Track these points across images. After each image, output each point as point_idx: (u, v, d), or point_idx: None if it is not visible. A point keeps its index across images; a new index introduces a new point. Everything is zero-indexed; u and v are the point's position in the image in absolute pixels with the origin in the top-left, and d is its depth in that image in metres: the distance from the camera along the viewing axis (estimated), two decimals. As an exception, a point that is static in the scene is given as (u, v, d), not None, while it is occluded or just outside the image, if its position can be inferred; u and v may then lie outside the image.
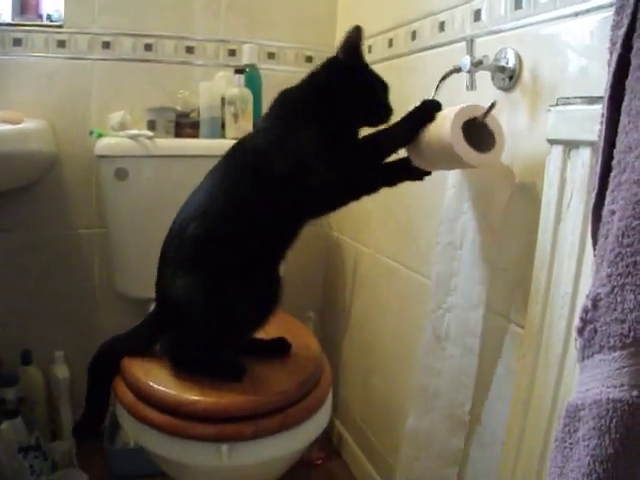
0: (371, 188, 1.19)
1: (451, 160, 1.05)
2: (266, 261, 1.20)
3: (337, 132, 1.14)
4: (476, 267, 1.18)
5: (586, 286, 0.84)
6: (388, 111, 1.18)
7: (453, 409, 1.23)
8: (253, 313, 1.20)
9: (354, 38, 1.18)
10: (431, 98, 1.15)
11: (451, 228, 1.23)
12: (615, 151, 0.66)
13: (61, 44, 1.83)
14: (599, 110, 0.72)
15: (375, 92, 1.18)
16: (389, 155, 1.16)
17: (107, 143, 1.70)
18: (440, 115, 1.08)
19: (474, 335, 1.18)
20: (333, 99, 1.16)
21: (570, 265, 0.87)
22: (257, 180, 1.16)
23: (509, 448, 0.99)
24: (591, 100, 0.87)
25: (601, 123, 0.71)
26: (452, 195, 1.22)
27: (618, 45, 0.68)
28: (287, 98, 1.24)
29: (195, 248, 1.17)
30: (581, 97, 0.90)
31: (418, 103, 1.12)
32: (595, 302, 0.64)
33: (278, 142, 1.16)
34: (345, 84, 1.17)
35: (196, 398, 1.11)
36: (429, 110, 1.10)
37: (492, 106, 1.04)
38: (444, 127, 1.03)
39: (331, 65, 1.21)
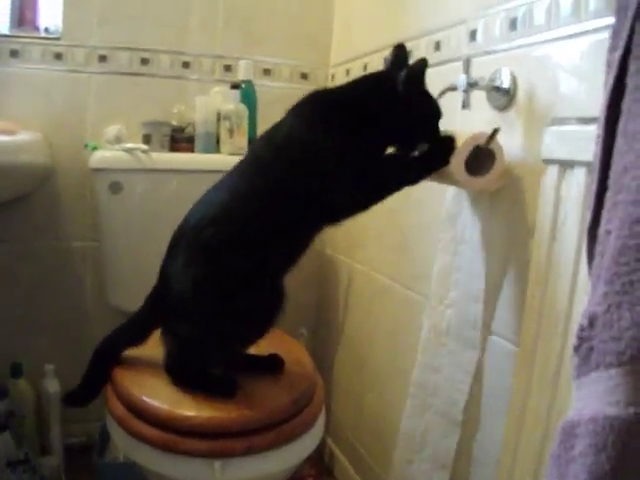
0: None
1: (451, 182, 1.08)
2: (275, 270, 1.20)
3: (370, 153, 1.14)
4: (477, 261, 1.19)
5: (580, 304, 0.85)
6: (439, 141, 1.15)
7: (449, 407, 1.24)
8: (256, 319, 1.20)
9: (418, 70, 1.11)
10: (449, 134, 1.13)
11: (454, 223, 1.24)
12: (611, 172, 0.67)
13: (58, 57, 1.84)
14: (594, 131, 0.73)
15: (432, 125, 1.15)
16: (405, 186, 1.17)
17: (102, 156, 1.70)
18: None
19: (474, 328, 1.19)
20: (381, 125, 1.12)
21: (564, 283, 0.88)
22: (278, 187, 1.14)
23: (504, 465, 0.99)
24: (586, 120, 0.88)
25: (596, 144, 0.72)
26: (454, 190, 1.24)
27: (614, 67, 0.69)
28: (325, 105, 1.19)
29: (209, 247, 1.15)
30: (576, 118, 0.91)
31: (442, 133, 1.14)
32: (592, 320, 0.64)
33: (308, 153, 1.14)
34: (402, 116, 1.12)
35: (190, 414, 1.10)
36: (447, 153, 1.11)
37: (495, 132, 1.05)
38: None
39: (386, 91, 1.12)
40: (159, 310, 1.24)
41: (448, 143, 1.10)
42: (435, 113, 1.14)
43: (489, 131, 1.07)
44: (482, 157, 1.09)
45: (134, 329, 1.30)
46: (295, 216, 1.15)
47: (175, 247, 1.21)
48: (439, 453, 1.25)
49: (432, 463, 1.26)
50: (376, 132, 1.12)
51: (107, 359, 1.30)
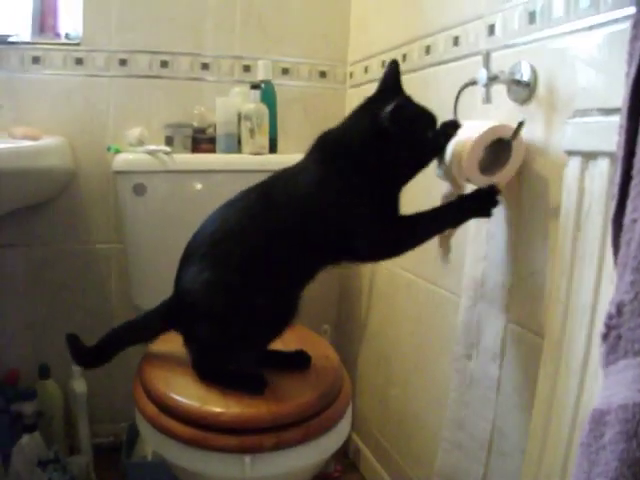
0: None
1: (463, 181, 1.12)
2: (289, 284, 1.22)
3: (386, 194, 1.16)
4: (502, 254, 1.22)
5: (606, 295, 0.85)
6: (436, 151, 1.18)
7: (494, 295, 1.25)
8: (271, 322, 1.22)
9: (402, 106, 1.12)
10: (483, 189, 1.15)
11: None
12: (635, 161, 0.67)
13: (79, 62, 1.87)
14: (617, 121, 0.73)
15: (426, 155, 1.18)
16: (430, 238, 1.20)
17: (125, 159, 1.73)
18: (465, 136, 1.11)
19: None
20: (382, 164, 1.14)
21: (590, 274, 0.88)
22: (295, 225, 1.17)
23: (531, 456, 1.00)
24: (608, 111, 0.88)
25: (619, 134, 0.72)
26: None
27: (636, 57, 0.69)
28: (333, 145, 1.20)
29: (225, 256, 1.18)
30: (598, 109, 0.91)
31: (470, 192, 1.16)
32: (619, 308, 0.65)
33: (326, 200, 1.16)
34: (396, 151, 1.14)
35: (219, 410, 1.12)
36: (475, 206, 1.14)
37: (520, 126, 1.06)
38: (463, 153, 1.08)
39: (378, 129, 1.13)
40: (174, 318, 1.26)
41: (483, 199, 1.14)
42: (428, 144, 1.16)
43: (507, 124, 1.08)
44: (498, 150, 1.10)
45: (142, 328, 1.33)
46: (309, 258, 1.19)
47: (190, 257, 1.23)
48: (490, 342, 1.26)
49: (485, 354, 1.27)
50: (380, 172, 1.14)
51: (122, 340, 1.32)
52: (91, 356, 1.32)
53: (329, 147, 1.20)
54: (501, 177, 1.12)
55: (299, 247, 1.17)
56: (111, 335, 1.32)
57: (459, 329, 1.32)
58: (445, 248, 1.31)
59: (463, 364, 1.31)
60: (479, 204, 1.13)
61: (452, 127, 1.13)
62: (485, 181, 1.11)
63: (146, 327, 1.32)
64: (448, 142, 1.14)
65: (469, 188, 1.20)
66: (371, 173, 1.14)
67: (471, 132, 1.10)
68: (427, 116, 1.17)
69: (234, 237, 1.18)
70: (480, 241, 1.26)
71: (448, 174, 1.18)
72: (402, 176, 1.17)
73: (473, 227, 1.28)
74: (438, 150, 1.15)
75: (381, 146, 1.13)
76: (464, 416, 1.32)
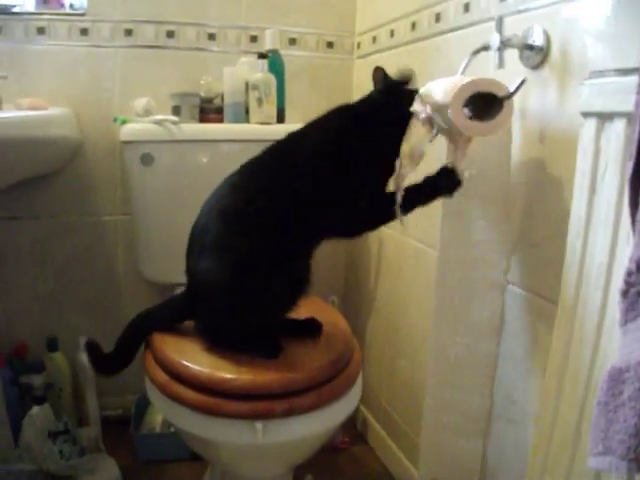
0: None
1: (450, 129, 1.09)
2: (297, 249, 1.22)
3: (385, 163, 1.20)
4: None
5: (622, 256, 0.84)
6: None
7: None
8: (283, 298, 1.22)
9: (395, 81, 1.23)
10: (449, 166, 1.17)
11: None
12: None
13: (84, 32, 1.85)
14: (634, 81, 0.72)
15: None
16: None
17: (132, 129, 1.72)
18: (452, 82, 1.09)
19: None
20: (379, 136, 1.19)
21: (605, 235, 0.87)
22: (297, 186, 1.18)
23: (544, 421, 0.99)
24: (625, 72, 0.86)
25: (637, 92, 0.71)
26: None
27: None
28: (347, 115, 1.24)
29: (221, 234, 1.18)
30: (614, 69, 0.90)
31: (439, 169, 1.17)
32: (639, 265, 0.64)
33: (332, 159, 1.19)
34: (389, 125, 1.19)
35: (231, 376, 1.11)
36: (450, 185, 1.16)
37: (522, 83, 1.04)
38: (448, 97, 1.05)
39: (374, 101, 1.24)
40: (190, 309, 1.27)
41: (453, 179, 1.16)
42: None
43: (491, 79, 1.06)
44: (491, 108, 1.08)
45: (167, 313, 1.33)
46: (314, 216, 1.20)
47: (198, 245, 1.22)
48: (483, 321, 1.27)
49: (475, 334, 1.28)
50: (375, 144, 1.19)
51: (139, 334, 1.32)
52: (111, 362, 1.32)
53: (337, 116, 1.23)
54: (488, 128, 1.09)
55: (305, 208, 1.18)
56: (126, 334, 1.31)
57: (450, 308, 1.31)
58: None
59: (452, 343, 1.31)
60: (443, 183, 1.16)
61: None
62: (472, 127, 1.08)
63: (162, 321, 1.33)
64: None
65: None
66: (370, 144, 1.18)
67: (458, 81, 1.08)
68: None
69: (240, 214, 1.18)
70: (466, 217, 1.27)
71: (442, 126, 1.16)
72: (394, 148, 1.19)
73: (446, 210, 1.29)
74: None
75: (376, 119, 1.19)
76: (457, 395, 1.32)
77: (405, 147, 1.16)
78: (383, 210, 1.20)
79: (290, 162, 1.21)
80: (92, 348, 1.34)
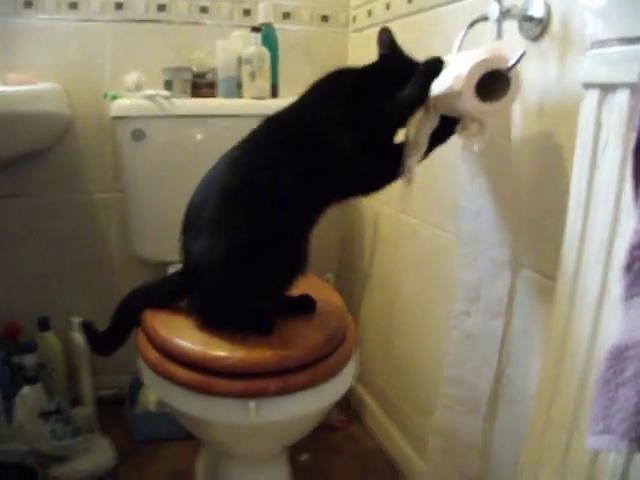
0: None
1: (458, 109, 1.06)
2: (295, 227, 1.20)
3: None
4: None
5: (624, 230, 0.82)
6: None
7: (497, 251, 1.23)
8: (280, 277, 1.20)
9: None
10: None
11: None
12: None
13: (73, 6, 1.81)
14: (638, 49, 0.70)
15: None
16: (409, 114, 1.14)
17: (123, 104, 1.69)
18: (455, 65, 1.06)
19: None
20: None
21: (606, 210, 0.85)
22: (293, 150, 1.16)
23: (542, 399, 0.98)
24: (629, 40, 0.84)
25: (643, 60, 0.69)
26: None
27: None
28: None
29: (223, 211, 1.15)
30: (617, 38, 0.87)
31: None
32: (644, 237, 0.63)
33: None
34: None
35: (224, 354, 1.09)
36: (434, 65, 1.10)
37: (522, 56, 1.02)
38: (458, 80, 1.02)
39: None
40: (186, 288, 1.25)
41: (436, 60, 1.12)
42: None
43: (504, 55, 1.03)
44: (498, 83, 1.05)
45: (162, 291, 1.30)
46: (311, 180, 1.17)
47: (194, 225, 1.20)
48: (492, 300, 1.25)
49: (486, 312, 1.26)
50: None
51: (134, 311, 1.30)
52: (107, 341, 1.31)
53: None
54: (498, 107, 1.07)
55: (303, 180, 1.15)
56: (120, 311, 1.30)
57: (459, 286, 1.30)
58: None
59: (462, 321, 1.30)
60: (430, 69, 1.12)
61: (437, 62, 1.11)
62: (483, 108, 1.06)
63: (156, 298, 1.30)
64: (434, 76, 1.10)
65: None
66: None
67: (467, 59, 1.05)
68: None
69: (242, 189, 1.16)
70: (472, 195, 1.24)
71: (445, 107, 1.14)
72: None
73: (462, 180, 1.26)
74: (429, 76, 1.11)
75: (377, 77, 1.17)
76: (463, 373, 1.31)
77: (409, 133, 1.14)
78: (390, 169, 1.18)
79: (294, 131, 1.18)
80: (88, 328, 1.33)
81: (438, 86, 1.07)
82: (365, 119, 1.14)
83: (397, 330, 1.79)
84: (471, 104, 1.02)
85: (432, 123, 1.14)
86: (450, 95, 1.04)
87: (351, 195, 1.25)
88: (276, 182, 1.15)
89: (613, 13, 0.93)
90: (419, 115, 1.14)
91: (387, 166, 1.18)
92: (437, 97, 1.08)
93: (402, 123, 1.15)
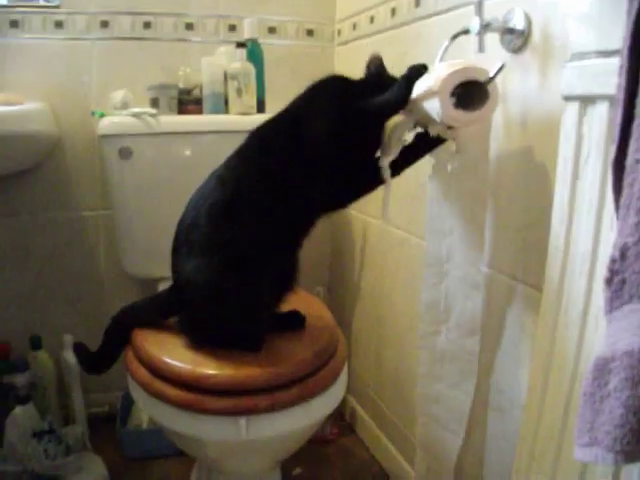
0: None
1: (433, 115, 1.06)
2: (283, 245, 1.21)
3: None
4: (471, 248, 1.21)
5: (606, 242, 0.83)
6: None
7: (466, 269, 1.24)
8: (270, 294, 1.21)
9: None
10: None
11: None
12: (637, 101, 0.64)
13: (59, 25, 1.81)
14: (616, 63, 0.70)
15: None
16: (388, 113, 1.16)
17: (110, 122, 1.69)
18: (436, 72, 1.07)
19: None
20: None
21: (589, 222, 0.86)
22: (277, 165, 1.17)
23: (530, 410, 0.98)
24: (607, 53, 0.85)
25: (620, 75, 0.70)
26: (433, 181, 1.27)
27: (638, -7, 0.66)
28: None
29: (211, 230, 1.16)
30: (596, 51, 0.88)
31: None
32: (623, 252, 0.63)
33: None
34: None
35: (213, 372, 1.10)
36: (416, 70, 1.11)
37: (501, 69, 1.02)
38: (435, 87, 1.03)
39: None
40: (175, 307, 1.25)
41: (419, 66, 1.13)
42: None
43: (480, 66, 1.04)
44: (476, 94, 1.06)
45: (153, 309, 1.31)
46: (296, 196, 1.17)
47: (184, 244, 1.20)
48: (465, 318, 1.25)
49: (459, 330, 1.26)
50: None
51: (125, 330, 1.30)
52: (99, 360, 1.32)
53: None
54: (474, 117, 1.07)
55: (292, 194, 1.16)
56: (111, 330, 1.31)
57: (422, 308, 1.31)
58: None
59: (431, 340, 1.31)
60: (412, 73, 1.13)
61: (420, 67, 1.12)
62: (457, 114, 1.06)
63: (146, 317, 1.31)
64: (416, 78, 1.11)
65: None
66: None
67: (449, 65, 1.06)
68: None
69: (230, 206, 1.16)
70: (442, 214, 1.25)
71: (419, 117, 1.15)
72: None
73: (429, 201, 1.28)
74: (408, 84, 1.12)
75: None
76: (439, 390, 1.32)
77: (385, 133, 1.16)
78: (372, 177, 1.19)
79: (278, 142, 1.19)
80: (80, 349, 1.34)
81: (418, 88, 1.08)
82: (347, 123, 1.15)
83: (388, 342, 1.79)
84: (446, 107, 1.02)
85: (406, 126, 1.16)
86: (427, 96, 1.05)
87: (336, 205, 1.25)
88: (262, 197, 1.15)
89: (592, 26, 0.94)
90: (397, 117, 1.15)
91: (367, 173, 1.19)
92: (415, 100, 1.09)
93: (380, 122, 1.17)
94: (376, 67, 1.22)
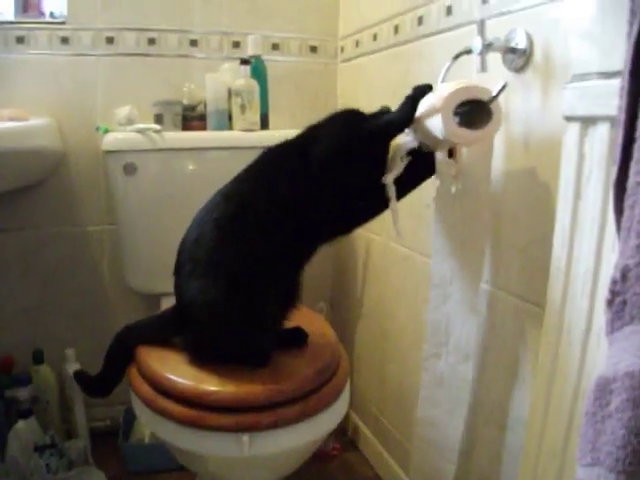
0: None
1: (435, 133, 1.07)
2: (289, 263, 1.22)
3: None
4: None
5: (608, 262, 0.83)
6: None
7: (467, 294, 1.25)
8: (274, 312, 1.21)
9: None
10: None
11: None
12: (638, 122, 0.65)
13: (64, 41, 1.83)
14: (616, 84, 0.71)
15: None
16: (395, 135, 1.17)
17: (115, 138, 1.70)
18: (439, 90, 1.08)
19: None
20: None
21: (591, 242, 0.86)
22: (283, 184, 1.18)
23: (533, 428, 0.99)
24: (608, 75, 0.86)
25: (621, 96, 0.70)
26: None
27: (638, 15, 0.67)
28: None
29: (216, 245, 1.16)
30: (597, 73, 0.89)
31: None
32: (624, 273, 0.63)
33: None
34: None
35: (215, 389, 1.10)
36: (421, 90, 1.12)
37: (503, 88, 1.03)
38: (437, 105, 1.04)
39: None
40: (179, 327, 1.25)
41: (423, 86, 1.14)
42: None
43: (481, 85, 1.05)
44: (480, 115, 1.07)
45: (156, 329, 1.32)
46: (301, 220, 1.19)
47: (187, 264, 1.20)
48: (461, 343, 1.25)
49: (456, 354, 1.26)
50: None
51: (127, 350, 1.30)
52: (102, 383, 1.32)
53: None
54: (477, 136, 1.08)
55: (297, 215, 1.17)
56: (113, 350, 1.31)
57: (427, 328, 1.31)
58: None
59: (433, 363, 1.31)
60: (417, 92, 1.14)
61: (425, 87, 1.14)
62: (459, 132, 1.07)
63: (149, 337, 1.31)
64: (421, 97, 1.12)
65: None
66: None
67: (453, 84, 1.07)
68: None
69: (235, 221, 1.17)
70: (445, 236, 1.26)
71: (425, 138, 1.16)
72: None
73: (434, 222, 1.28)
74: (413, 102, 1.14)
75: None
76: (436, 415, 1.32)
77: (390, 151, 1.17)
78: (377, 200, 1.20)
79: (287, 162, 1.20)
80: (81, 377, 1.35)
81: (422, 107, 1.09)
82: (353, 143, 1.16)
83: (391, 358, 1.79)
84: (448, 124, 1.03)
85: (409, 145, 1.16)
86: (431, 114, 1.06)
87: (338, 229, 1.27)
88: (267, 215, 1.16)
89: (594, 44, 0.95)
90: (401, 137, 1.16)
91: (372, 196, 1.19)
92: (419, 118, 1.10)
93: (385, 141, 1.18)
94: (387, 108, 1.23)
